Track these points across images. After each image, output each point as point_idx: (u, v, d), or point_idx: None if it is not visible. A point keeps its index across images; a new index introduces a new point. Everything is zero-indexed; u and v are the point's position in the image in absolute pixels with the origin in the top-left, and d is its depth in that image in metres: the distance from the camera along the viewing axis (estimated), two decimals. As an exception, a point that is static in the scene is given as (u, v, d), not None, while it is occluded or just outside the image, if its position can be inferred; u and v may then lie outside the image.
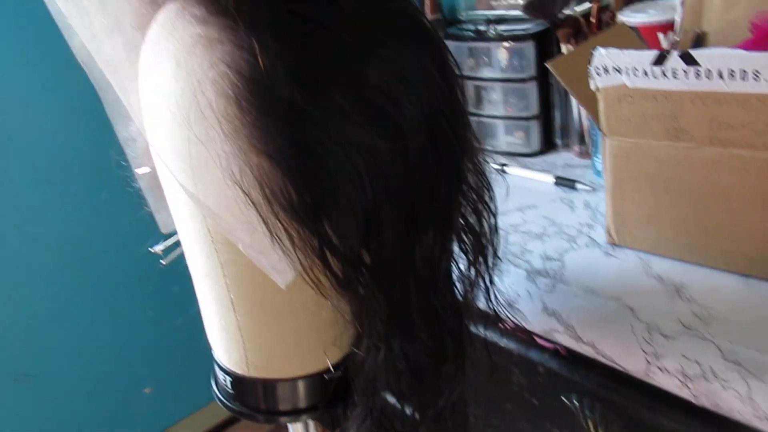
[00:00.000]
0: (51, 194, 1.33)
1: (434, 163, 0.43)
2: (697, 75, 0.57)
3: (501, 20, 1.05)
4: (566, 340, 0.64)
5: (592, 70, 0.64)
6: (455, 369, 0.50)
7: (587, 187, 0.88)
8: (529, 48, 0.96)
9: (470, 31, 1.04)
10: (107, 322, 1.47)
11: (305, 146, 0.37)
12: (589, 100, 0.69)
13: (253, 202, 0.38)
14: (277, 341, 0.48)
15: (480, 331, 0.59)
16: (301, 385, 0.51)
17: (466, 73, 1.05)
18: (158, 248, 0.54)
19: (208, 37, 0.38)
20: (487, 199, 0.50)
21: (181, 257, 0.48)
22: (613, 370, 0.61)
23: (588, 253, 0.74)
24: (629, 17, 0.88)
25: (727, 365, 0.53)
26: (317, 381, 0.51)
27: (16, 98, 1.23)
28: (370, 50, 0.40)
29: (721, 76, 0.56)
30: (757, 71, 0.54)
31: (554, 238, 0.79)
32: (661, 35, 0.85)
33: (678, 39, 0.79)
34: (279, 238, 0.39)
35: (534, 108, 1.01)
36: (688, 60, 0.57)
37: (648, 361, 0.57)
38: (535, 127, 1.02)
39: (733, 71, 0.55)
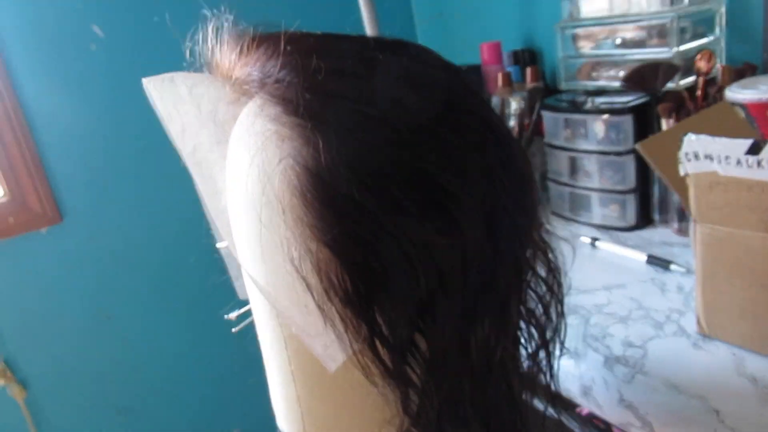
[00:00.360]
0: (151, 253, 1.46)
1: (492, 256, 0.43)
2: (796, 168, 0.54)
3: (601, 92, 1.04)
4: (641, 438, 0.61)
5: (681, 155, 0.62)
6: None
7: (682, 269, 0.84)
8: (627, 121, 0.94)
9: (567, 102, 1.04)
10: (202, 363, 1.57)
11: (361, 238, 0.39)
12: (681, 183, 0.66)
13: (309, 287, 0.40)
14: (333, 416, 0.49)
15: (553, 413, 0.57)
16: (356, 460, 0.52)
17: (561, 143, 1.04)
18: (232, 315, 0.58)
19: (280, 134, 0.41)
20: (554, 289, 0.50)
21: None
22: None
23: (675, 342, 0.70)
24: (738, 93, 0.84)
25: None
26: (372, 458, 0.51)
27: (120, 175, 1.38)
28: (433, 149, 0.41)
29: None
30: None
31: (639, 322, 0.75)
32: (771, 114, 0.80)
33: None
34: (332, 322, 0.40)
35: (630, 181, 0.97)
36: (785, 152, 0.54)
37: (728, 474, 0.53)
38: (631, 201, 0.99)
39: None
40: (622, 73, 1.01)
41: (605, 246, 0.95)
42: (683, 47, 0.94)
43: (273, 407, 0.53)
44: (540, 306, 0.50)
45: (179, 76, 0.50)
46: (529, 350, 0.51)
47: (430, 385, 0.43)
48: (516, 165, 0.46)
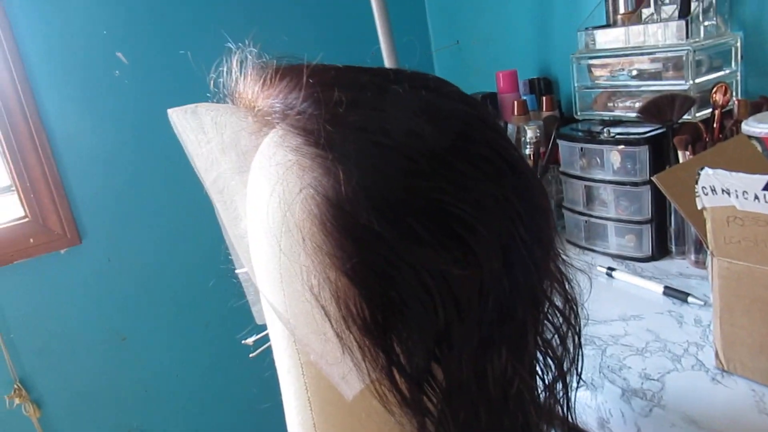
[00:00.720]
0: (168, 276, 1.48)
1: (509, 287, 0.44)
2: (814, 205, 0.54)
3: (617, 122, 1.05)
4: (659, 473, 0.60)
5: (698, 189, 0.62)
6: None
7: (699, 302, 0.83)
8: (643, 152, 0.94)
9: (583, 132, 1.04)
10: (217, 386, 1.57)
11: (379, 268, 0.40)
12: (697, 216, 0.66)
13: (328, 315, 0.40)
14: (349, 443, 0.49)
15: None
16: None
17: (577, 173, 1.04)
18: (250, 341, 0.58)
19: (301, 164, 0.42)
20: (571, 321, 0.50)
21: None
22: None
23: (693, 376, 0.70)
24: (754, 127, 0.84)
25: None
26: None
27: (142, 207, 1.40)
28: (450, 180, 0.42)
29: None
30: None
31: (657, 354, 0.75)
32: (788, 149, 0.80)
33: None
34: (350, 351, 0.41)
35: (647, 212, 0.97)
36: (804, 188, 0.54)
37: None
38: (647, 232, 0.98)
39: None
40: (637, 104, 1.02)
41: (621, 276, 0.95)
42: (699, 80, 0.95)
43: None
44: (557, 337, 0.50)
45: (203, 107, 0.51)
46: (546, 381, 0.51)
47: (447, 414, 0.43)
48: (532, 196, 0.46)
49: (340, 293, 0.40)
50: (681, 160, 0.91)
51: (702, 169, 0.61)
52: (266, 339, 0.58)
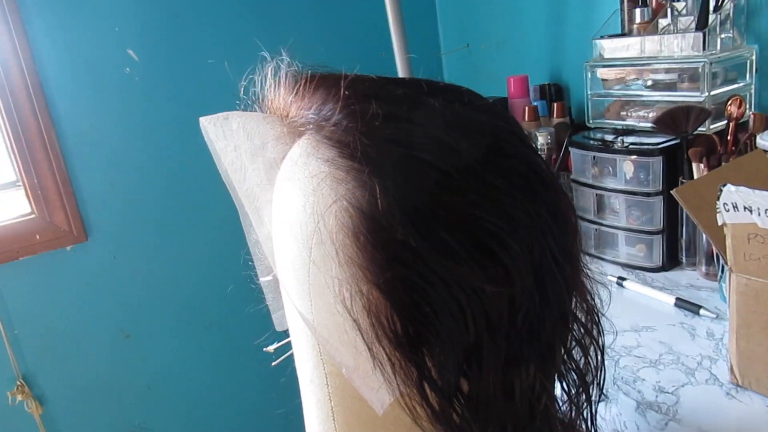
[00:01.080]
0: (173, 274, 1.48)
1: (540, 303, 0.44)
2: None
3: (630, 131, 1.05)
4: (675, 489, 0.60)
5: (720, 205, 0.62)
6: None
7: (712, 315, 0.83)
8: (656, 163, 0.94)
9: (596, 140, 1.04)
10: (223, 386, 1.57)
11: (413, 282, 0.40)
12: (715, 231, 0.66)
13: (359, 329, 0.40)
14: (373, 455, 0.49)
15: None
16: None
17: (588, 181, 1.04)
18: (271, 348, 0.58)
19: (335, 176, 0.41)
20: (594, 335, 0.50)
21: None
22: None
23: (707, 391, 0.70)
24: (768, 142, 0.84)
25: None
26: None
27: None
28: (483, 195, 0.42)
29: None
30: None
31: (670, 367, 0.75)
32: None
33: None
34: (381, 364, 0.41)
35: (658, 223, 0.97)
36: (828, 208, 0.54)
37: None
38: (658, 242, 0.99)
39: None
40: (651, 114, 1.02)
41: (632, 286, 0.95)
42: (714, 92, 0.95)
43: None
44: (580, 351, 0.50)
45: (234, 115, 0.51)
46: (570, 395, 0.51)
47: (475, 429, 0.43)
48: (563, 211, 0.46)
49: (372, 306, 0.40)
50: (695, 172, 0.91)
51: (724, 185, 0.61)
52: (288, 347, 0.58)
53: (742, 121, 0.93)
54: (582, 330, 0.49)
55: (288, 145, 0.48)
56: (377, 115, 0.42)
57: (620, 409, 0.69)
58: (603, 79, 1.08)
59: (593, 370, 0.51)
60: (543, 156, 1.12)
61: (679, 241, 0.99)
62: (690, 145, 0.92)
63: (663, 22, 1.01)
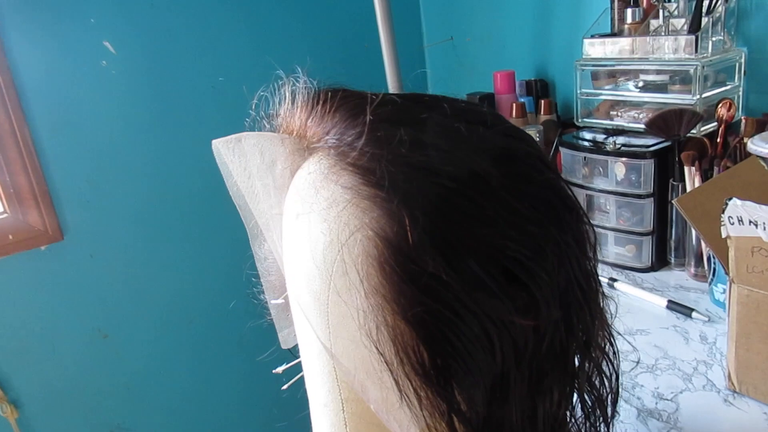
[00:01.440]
0: (151, 273, 1.44)
1: (565, 329, 0.43)
2: None
3: (619, 131, 1.05)
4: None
5: (725, 218, 0.63)
6: None
7: (704, 318, 0.85)
8: (648, 165, 0.95)
9: (587, 140, 1.04)
10: (201, 384, 1.55)
11: (442, 315, 0.39)
12: (717, 241, 0.67)
13: (386, 361, 0.39)
14: (394, 486, 0.49)
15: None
16: None
17: (578, 181, 1.05)
18: (280, 370, 0.57)
19: (358, 204, 0.40)
20: (611, 359, 0.50)
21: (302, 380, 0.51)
22: None
23: (705, 397, 0.71)
24: (761, 147, 0.85)
25: None
26: None
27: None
28: (512, 224, 0.41)
29: None
30: None
31: (667, 373, 0.76)
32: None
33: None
34: (408, 398, 0.40)
35: (648, 224, 0.98)
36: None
37: None
38: (647, 243, 1.00)
39: None
40: (642, 115, 1.02)
41: (623, 288, 0.96)
42: (705, 94, 0.95)
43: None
44: (595, 371, 0.50)
45: (247, 136, 0.49)
46: (587, 414, 0.51)
47: None
48: (586, 236, 0.46)
49: (398, 338, 0.39)
50: (687, 175, 0.92)
51: (730, 199, 0.62)
52: (298, 368, 0.56)
53: (736, 119, 0.94)
54: (601, 352, 0.49)
55: (296, 163, 0.47)
56: (404, 142, 0.40)
57: (622, 416, 0.70)
58: (594, 79, 1.08)
59: (609, 389, 0.51)
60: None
61: (668, 242, 1.00)
62: (682, 149, 0.93)
63: (654, 23, 1.01)
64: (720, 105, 0.94)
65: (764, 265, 0.62)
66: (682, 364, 0.77)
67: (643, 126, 0.98)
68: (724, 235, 0.64)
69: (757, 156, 0.84)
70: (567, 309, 0.43)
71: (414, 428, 0.43)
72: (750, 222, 0.61)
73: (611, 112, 1.08)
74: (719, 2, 0.94)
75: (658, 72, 1.00)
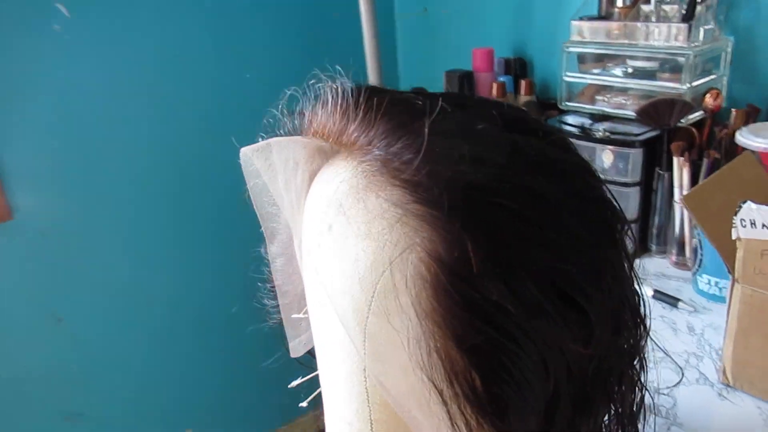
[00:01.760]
0: (105, 252, 1.36)
1: (616, 351, 0.42)
2: None
3: (604, 117, 1.04)
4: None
5: (737, 220, 0.63)
6: None
7: (689, 308, 0.86)
8: (636, 154, 0.95)
9: (575, 126, 1.03)
10: (157, 369, 1.49)
11: (500, 343, 0.37)
12: (721, 239, 0.67)
13: (435, 387, 0.37)
14: None
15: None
16: None
17: (565, 167, 1.04)
18: (294, 384, 0.54)
19: (408, 222, 0.37)
20: (640, 372, 0.49)
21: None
22: None
23: (700, 391, 0.72)
24: (750, 140, 0.86)
25: None
26: None
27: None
28: (571, 246, 0.39)
29: None
30: None
31: (660, 365, 0.77)
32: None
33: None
34: (458, 426, 0.38)
35: (634, 212, 0.99)
36: None
37: None
38: (632, 231, 1.00)
39: None
40: (629, 102, 1.02)
41: (608, 276, 0.96)
42: (694, 83, 0.95)
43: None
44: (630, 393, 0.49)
45: (275, 142, 0.46)
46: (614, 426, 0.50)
47: None
48: (633, 255, 0.44)
49: (449, 364, 0.37)
50: (675, 165, 0.92)
51: (744, 202, 0.62)
52: (316, 383, 0.53)
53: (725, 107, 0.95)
54: (639, 369, 0.48)
55: (317, 162, 0.44)
56: (464, 158, 0.37)
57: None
58: (580, 62, 1.07)
59: (637, 400, 0.50)
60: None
61: (650, 230, 1.01)
62: (671, 138, 0.93)
63: (645, 9, 0.99)
64: (707, 94, 0.95)
65: (772, 268, 0.63)
66: (674, 357, 0.78)
67: (631, 113, 0.97)
68: (734, 237, 0.64)
69: (746, 149, 0.85)
70: (618, 331, 0.41)
71: None
72: (763, 225, 0.61)
73: (597, 97, 1.07)
74: (712, -10, 0.93)
75: (648, 58, 0.99)
